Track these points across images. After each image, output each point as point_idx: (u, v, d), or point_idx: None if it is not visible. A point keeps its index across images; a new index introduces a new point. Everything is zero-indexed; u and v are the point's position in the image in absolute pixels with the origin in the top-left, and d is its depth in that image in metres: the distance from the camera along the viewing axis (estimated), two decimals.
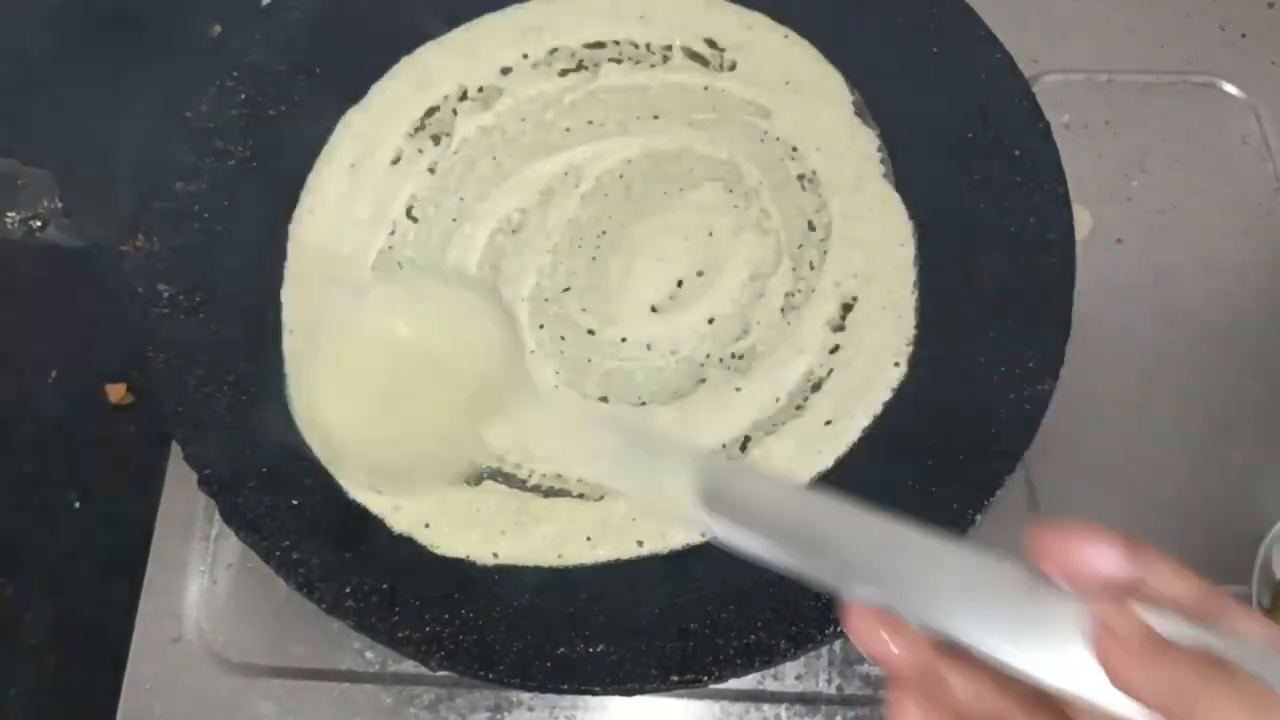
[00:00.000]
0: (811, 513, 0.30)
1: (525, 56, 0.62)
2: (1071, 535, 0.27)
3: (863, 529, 0.29)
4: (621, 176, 0.60)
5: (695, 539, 0.50)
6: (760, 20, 0.63)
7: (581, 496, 0.52)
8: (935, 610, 0.27)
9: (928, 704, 0.28)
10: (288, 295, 0.57)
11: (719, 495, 0.31)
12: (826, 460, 0.52)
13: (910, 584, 0.28)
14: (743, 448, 0.53)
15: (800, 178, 0.60)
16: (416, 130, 0.61)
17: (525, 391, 0.36)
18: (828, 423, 0.53)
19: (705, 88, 0.62)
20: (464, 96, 0.62)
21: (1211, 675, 0.24)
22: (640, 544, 0.51)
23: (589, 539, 0.51)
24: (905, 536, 0.29)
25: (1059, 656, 0.26)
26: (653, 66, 0.62)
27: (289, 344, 0.55)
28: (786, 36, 0.63)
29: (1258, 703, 0.23)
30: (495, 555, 0.50)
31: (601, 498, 0.52)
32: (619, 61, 0.62)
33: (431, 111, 0.61)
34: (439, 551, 0.50)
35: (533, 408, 0.36)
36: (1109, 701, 0.25)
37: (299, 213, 0.58)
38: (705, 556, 0.50)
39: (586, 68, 0.62)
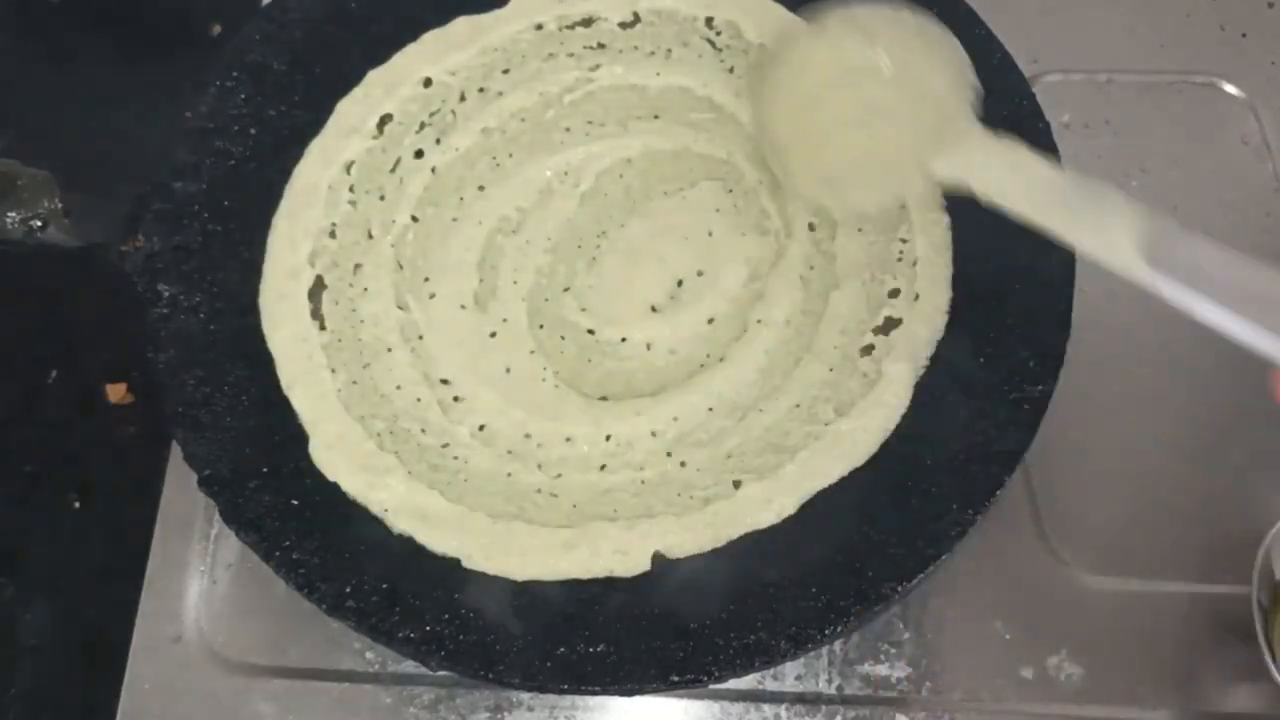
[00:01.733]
0: (1260, 284, 0.29)
1: (539, 26, 0.62)
2: None
3: None
4: (621, 176, 0.60)
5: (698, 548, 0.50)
6: None
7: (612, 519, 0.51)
8: None
9: None
10: None
11: (1161, 251, 0.30)
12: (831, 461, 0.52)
13: None
14: None
15: None
16: (420, 130, 0.61)
17: (973, 129, 0.36)
18: (827, 423, 0.53)
19: (705, 85, 0.62)
20: (463, 98, 0.62)
21: None
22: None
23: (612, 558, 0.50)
24: None
25: None
26: (651, 54, 0.62)
27: None
28: None
29: None
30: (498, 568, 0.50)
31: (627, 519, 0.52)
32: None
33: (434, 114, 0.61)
34: (439, 551, 0.50)
35: (979, 144, 0.36)
36: None
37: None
38: (705, 558, 0.50)
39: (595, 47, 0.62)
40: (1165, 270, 0.30)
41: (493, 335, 0.56)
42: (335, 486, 0.51)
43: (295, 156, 0.59)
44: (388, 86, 0.61)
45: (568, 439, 0.53)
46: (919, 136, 0.36)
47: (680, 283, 0.58)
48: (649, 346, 0.56)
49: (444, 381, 0.55)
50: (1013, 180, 0.35)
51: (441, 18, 0.63)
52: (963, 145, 0.35)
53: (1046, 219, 0.34)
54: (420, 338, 0.56)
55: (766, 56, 0.38)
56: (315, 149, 0.60)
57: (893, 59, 0.38)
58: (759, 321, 0.56)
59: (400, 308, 0.56)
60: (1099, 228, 0.32)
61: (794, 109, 0.38)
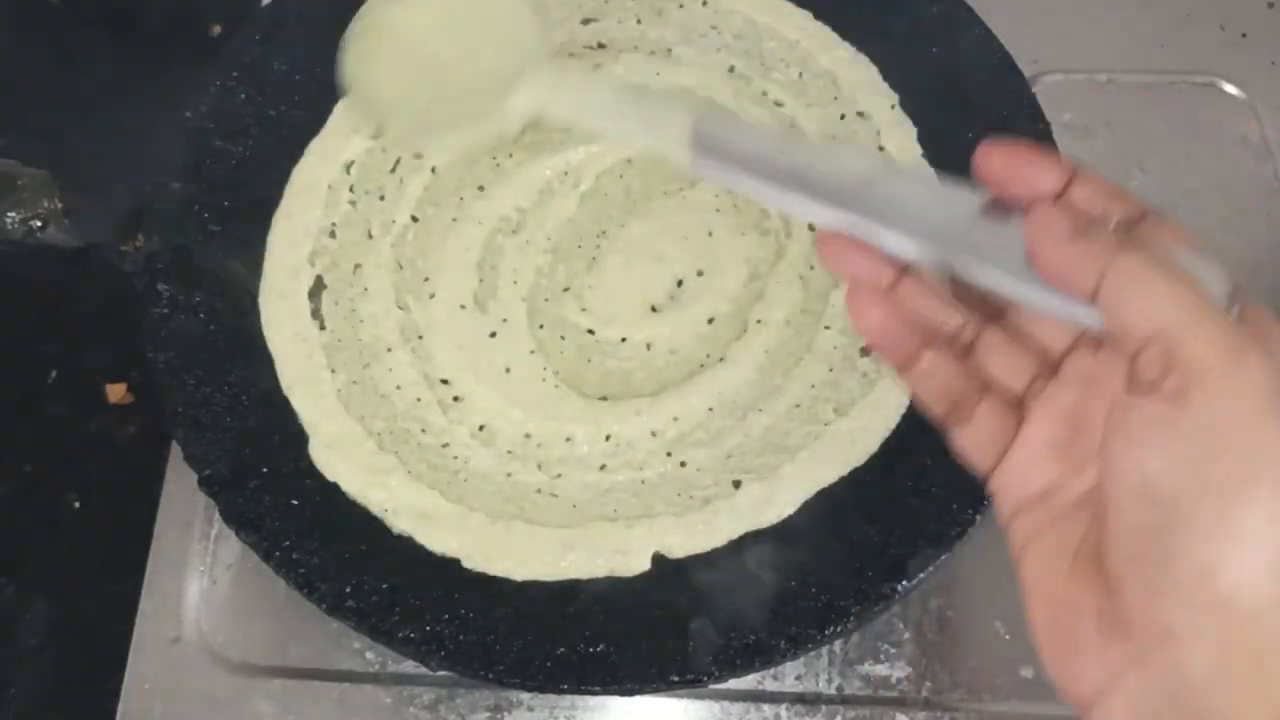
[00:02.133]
0: (795, 155, 0.33)
1: None
2: (1016, 155, 0.30)
3: (840, 164, 0.32)
4: (621, 176, 0.60)
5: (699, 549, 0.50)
6: None
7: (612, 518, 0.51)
8: (901, 232, 0.30)
9: (885, 302, 0.32)
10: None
11: (710, 140, 0.34)
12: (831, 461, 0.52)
13: (881, 209, 0.31)
14: None
15: None
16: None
17: (541, 64, 0.40)
18: (827, 423, 0.53)
19: (705, 85, 0.62)
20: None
21: (1126, 246, 0.26)
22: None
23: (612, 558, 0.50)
24: (879, 168, 0.32)
25: (1003, 264, 0.29)
26: (652, 54, 0.62)
27: None
28: None
29: (1166, 267, 0.25)
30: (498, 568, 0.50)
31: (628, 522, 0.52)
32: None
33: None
34: (439, 551, 0.50)
35: (547, 73, 0.40)
36: (1040, 299, 0.28)
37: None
38: (705, 558, 0.50)
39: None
40: (708, 155, 0.35)
41: (493, 335, 0.56)
42: (335, 486, 0.51)
43: (295, 156, 0.59)
44: None
45: (568, 439, 0.53)
46: (492, 79, 0.40)
47: (680, 283, 0.58)
48: (649, 346, 0.56)
49: (444, 381, 0.55)
50: (580, 100, 0.39)
51: None
52: (533, 78, 0.39)
53: (614, 127, 0.38)
54: (420, 338, 0.56)
55: (356, 29, 0.42)
56: (315, 149, 0.60)
57: (457, 15, 0.43)
58: (759, 321, 0.56)
59: (400, 308, 0.56)
60: (655, 131, 0.36)
61: (383, 70, 0.43)
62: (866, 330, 0.33)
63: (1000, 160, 0.30)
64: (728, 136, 0.34)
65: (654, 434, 0.53)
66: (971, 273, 0.30)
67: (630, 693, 0.47)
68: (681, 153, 0.35)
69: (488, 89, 0.40)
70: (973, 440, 0.33)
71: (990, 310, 0.33)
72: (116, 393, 0.62)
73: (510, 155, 0.61)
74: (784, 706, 0.52)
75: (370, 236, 0.58)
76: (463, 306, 0.57)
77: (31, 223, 0.60)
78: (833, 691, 0.53)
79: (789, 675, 0.53)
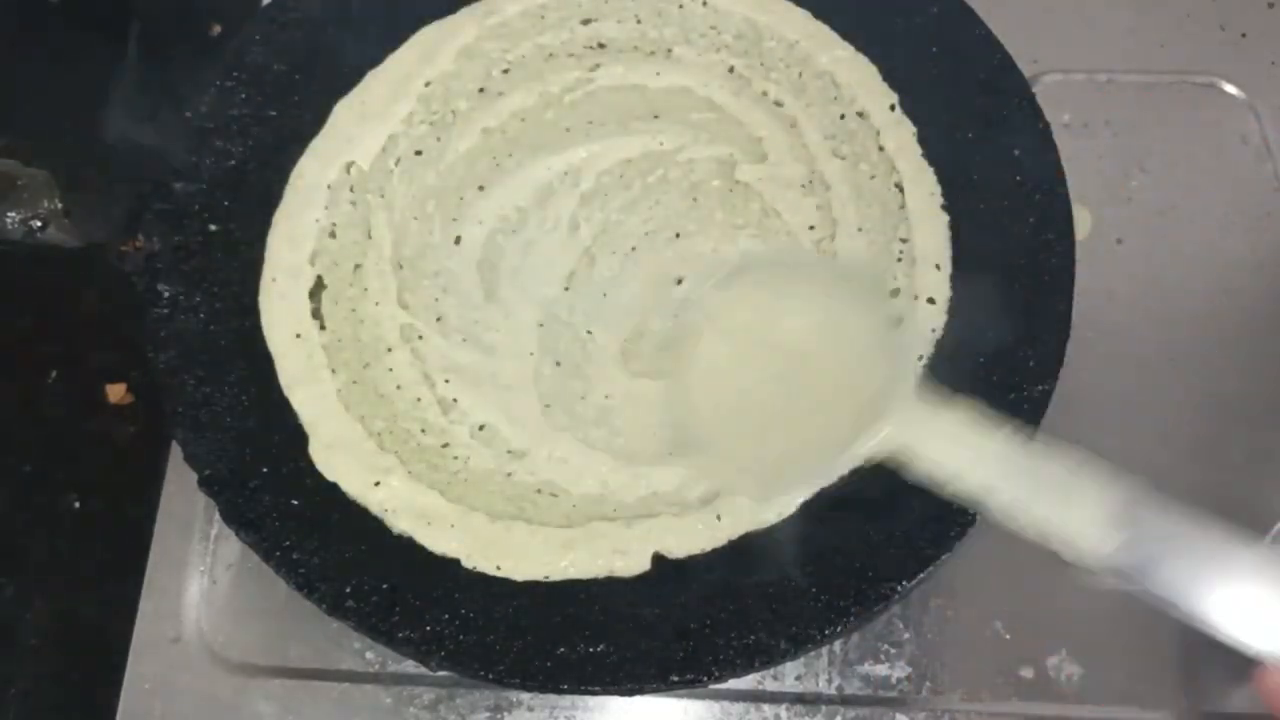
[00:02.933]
0: (1243, 567, 0.27)
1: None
2: None
3: None
4: (621, 176, 0.60)
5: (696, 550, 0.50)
6: None
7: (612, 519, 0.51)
8: None
9: None
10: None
11: (1144, 532, 0.27)
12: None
13: None
14: None
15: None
16: (420, 130, 0.61)
17: (904, 394, 0.32)
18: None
19: (705, 85, 0.62)
20: (463, 98, 0.62)
21: None
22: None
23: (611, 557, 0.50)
24: None
25: None
26: (652, 54, 0.62)
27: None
28: None
29: None
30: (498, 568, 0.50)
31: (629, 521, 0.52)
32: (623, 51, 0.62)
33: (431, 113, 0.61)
34: (439, 551, 0.50)
35: (914, 412, 0.32)
36: None
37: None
38: (705, 558, 0.50)
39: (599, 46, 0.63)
40: (1138, 555, 0.28)
41: (493, 334, 0.56)
42: (335, 486, 0.51)
43: (295, 156, 0.59)
44: (388, 86, 0.61)
45: None
46: (846, 403, 0.32)
47: (680, 282, 0.58)
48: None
49: (444, 381, 0.55)
50: (954, 450, 0.32)
51: (441, 19, 0.63)
52: (900, 415, 0.32)
53: (1008, 491, 0.31)
54: (420, 338, 0.56)
55: (678, 341, 0.33)
56: (315, 149, 0.60)
57: (804, 327, 0.34)
58: None
59: (400, 307, 0.56)
60: (1066, 511, 0.29)
61: (706, 386, 0.35)
62: None
63: None
64: (1164, 529, 0.28)
65: (654, 433, 0.53)
66: None
67: (630, 693, 0.47)
68: (1100, 537, 0.28)
69: (832, 416, 0.33)
70: None
71: None
72: (116, 393, 0.62)
73: (510, 155, 0.61)
74: (784, 706, 0.52)
75: (370, 236, 0.58)
76: (463, 306, 0.57)
77: (31, 223, 0.60)
78: (833, 691, 0.53)
79: (789, 675, 0.53)
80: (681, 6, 0.64)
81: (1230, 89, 0.68)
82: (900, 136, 0.59)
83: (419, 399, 0.54)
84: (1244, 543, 0.28)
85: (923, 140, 0.59)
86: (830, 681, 0.53)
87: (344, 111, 0.60)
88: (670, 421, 0.34)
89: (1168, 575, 0.27)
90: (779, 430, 0.34)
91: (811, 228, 0.58)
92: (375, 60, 0.62)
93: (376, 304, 0.56)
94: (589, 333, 0.56)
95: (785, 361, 0.34)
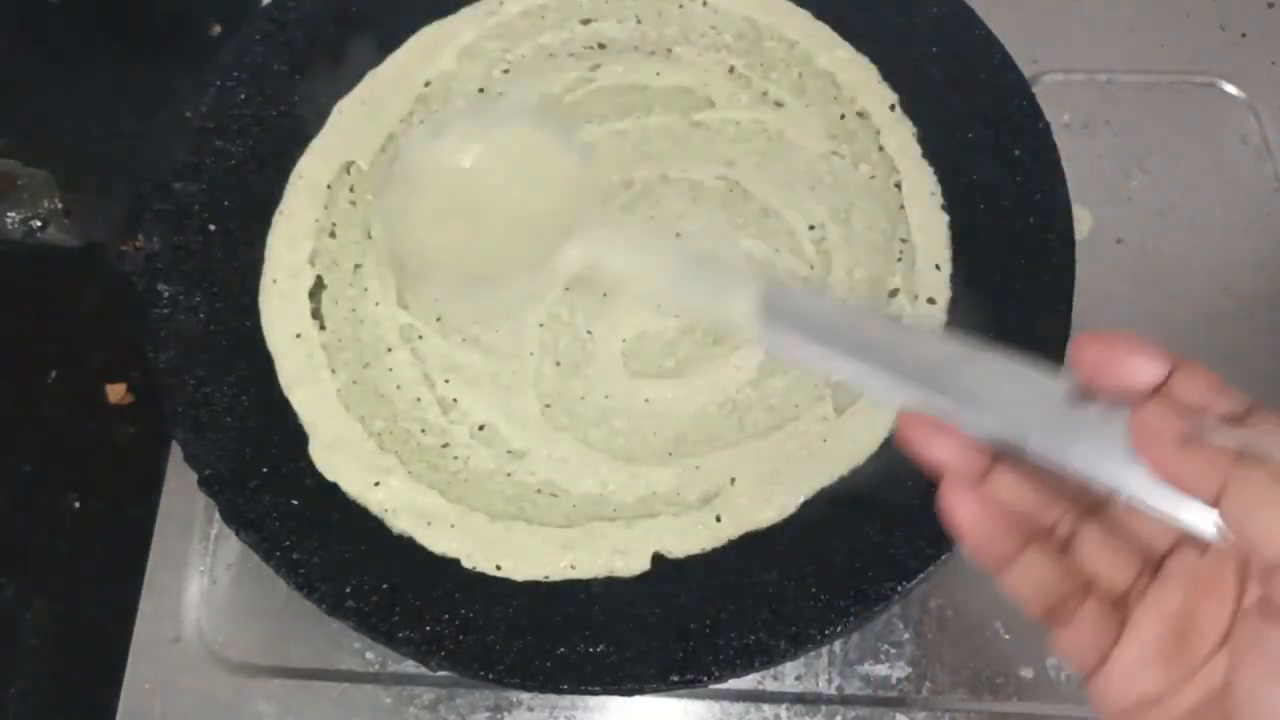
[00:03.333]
0: (871, 330, 0.32)
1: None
2: (1115, 344, 0.28)
3: (918, 344, 0.31)
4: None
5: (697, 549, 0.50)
6: None
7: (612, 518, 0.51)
8: (988, 415, 0.29)
9: (979, 499, 0.30)
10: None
11: (780, 311, 0.33)
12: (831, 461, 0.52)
13: (964, 392, 0.29)
14: None
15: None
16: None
17: (594, 215, 0.38)
18: (825, 419, 0.53)
19: (705, 85, 0.62)
20: (463, 98, 0.62)
21: (1244, 461, 0.25)
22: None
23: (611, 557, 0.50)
24: (959, 351, 0.30)
25: (1102, 455, 0.28)
26: (651, 54, 0.62)
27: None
28: None
29: None
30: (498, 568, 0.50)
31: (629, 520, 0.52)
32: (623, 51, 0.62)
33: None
34: (439, 551, 0.50)
35: (601, 228, 0.38)
36: (1144, 493, 0.27)
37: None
38: (705, 558, 0.50)
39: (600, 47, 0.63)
40: (779, 329, 0.33)
41: (493, 334, 0.56)
42: (335, 486, 0.51)
43: (295, 156, 0.59)
44: (388, 86, 0.61)
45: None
46: (539, 231, 0.38)
47: None
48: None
49: (444, 381, 0.55)
50: (640, 260, 0.38)
51: (441, 18, 0.63)
52: (587, 231, 0.37)
53: (676, 291, 0.37)
54: (420, 338, 0.56)
55: (389, 174, 0.41)
56: (315, 149, 0.60)
57: (494, 167, 0.41)
58: None
59: (400, 307, 0.56)
60: (721, 301, 0.34)
61: (420, 220, 0.41)
62: (959, 528, 0.31)
63: (1096, 350, 0.28)
64: (799, 307, 0.33)
65: (654, 433, 0.53)
66: (1064, 461, 0.28)
67: (630, 693, 0.47)
68: (749, 323, 0.33)
69: (534, 241, 0.38)
70: (1073, 642, 0.30)
71: (1086, 504, 0.31)
72: (116, 393, 0.62)
73: None
74: (784, 706, 0.52)
75: (370, 236, 0.58)
76: (463, 306, 0.57)
77: (31, 223, 0.60)
78: (833, 691, 0.53)
79: (789, 675, 0.53)
80: (681, 6, 0.64)
81: (1230, 89, 0.68)
82: (900, 136, 0.59)
83: (419, 399, 0.54)
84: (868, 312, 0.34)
85: (923, 140, 0.59)
86: (830, 681, 0.53)
87: (344, 111, 0.60)
88: (391, 250, 0.42)
89: (818, 353, 0.32)
90: (492, 256, 0.41)
91: (811, 228, 0.58)
92: (375, 60, 0.62)
93: (376, 304, 0.56)
94: (589, 333, 0.56)
95: (492, 199, 0.41)
